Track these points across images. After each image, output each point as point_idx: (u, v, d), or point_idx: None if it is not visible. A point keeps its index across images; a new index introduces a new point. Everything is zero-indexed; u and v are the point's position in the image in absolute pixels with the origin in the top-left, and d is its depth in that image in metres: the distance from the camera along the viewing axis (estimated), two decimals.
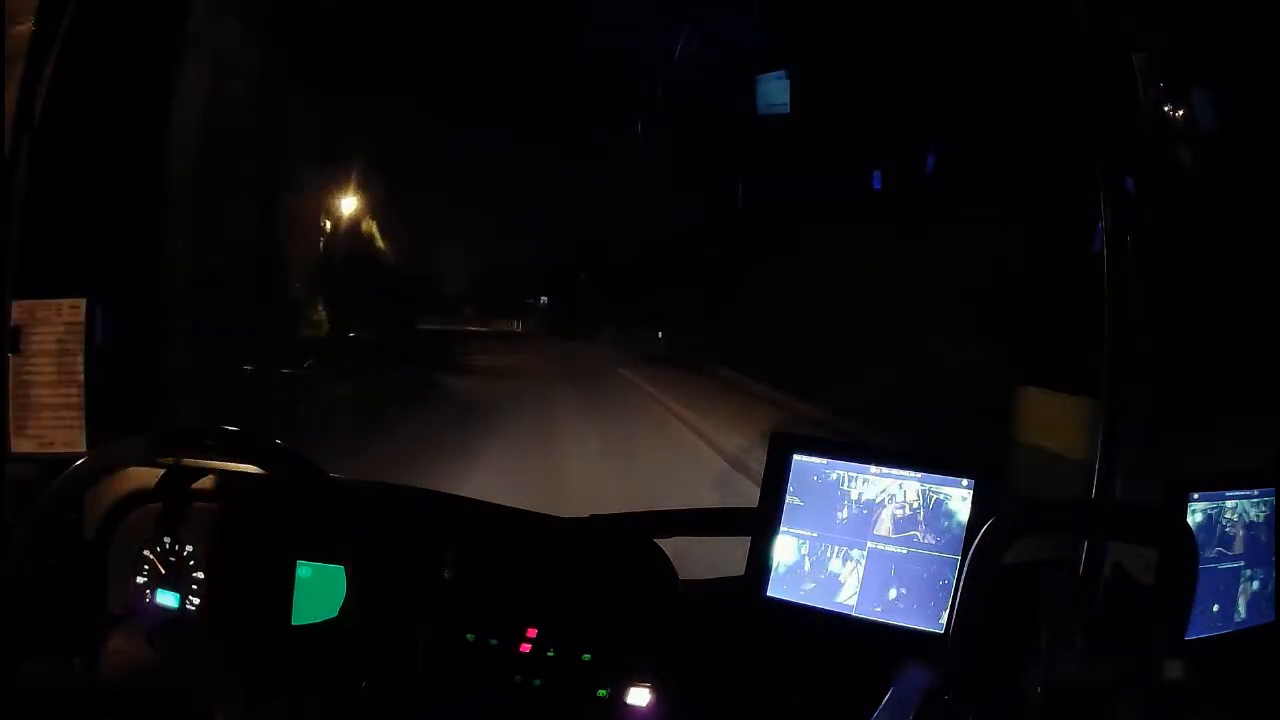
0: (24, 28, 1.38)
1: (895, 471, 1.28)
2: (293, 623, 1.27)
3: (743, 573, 1.34)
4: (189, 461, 1.28)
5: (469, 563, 1.30)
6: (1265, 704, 1.30)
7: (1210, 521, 1.31)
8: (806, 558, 1.30)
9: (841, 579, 1.28)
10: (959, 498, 1.24)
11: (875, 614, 1.26)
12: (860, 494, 1.28)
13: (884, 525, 1.27)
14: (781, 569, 1.31)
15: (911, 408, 5.88)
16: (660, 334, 16.78)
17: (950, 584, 1.22)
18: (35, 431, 1.38)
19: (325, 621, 1.13)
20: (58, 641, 1.09)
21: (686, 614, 1.31)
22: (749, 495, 1.46)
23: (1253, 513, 1.35)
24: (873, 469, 1.28)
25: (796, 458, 1.32)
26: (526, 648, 1.27)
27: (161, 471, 1.27)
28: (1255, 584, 1.36)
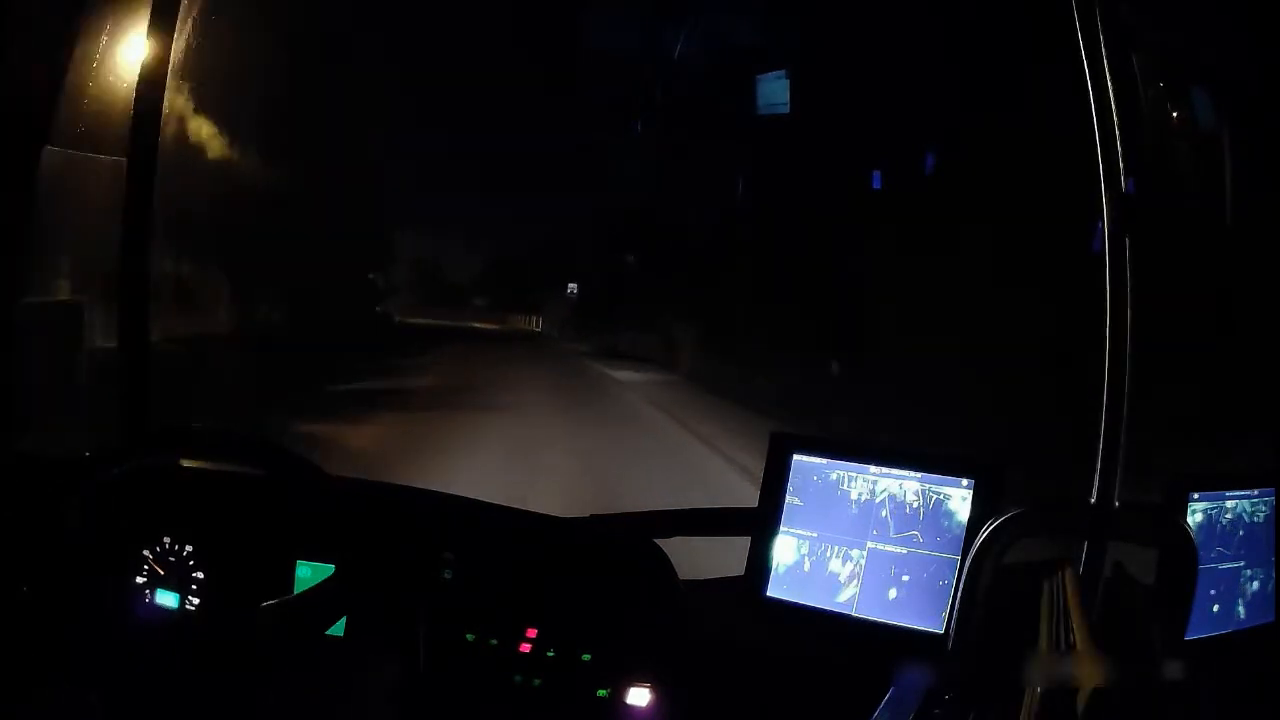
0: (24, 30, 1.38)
1: (895, 471, 1.27)
2: None
3: (743, 573, 1.34)
4: (188, 461, 1.29)
5: (468, 563, 1.30)
6: (1265, 704, 1.30)
7: (1210, 521, 1.31)
8: (806, 558, 1.30)
9: (841, 579, 1.28)
10: (959, 498, 1.24)
11: (875, 614, 1.26)
12: (860, 494, 1.28)
13: (884, 525, 1.27)
14: (781, 569, 1.31)
15: None
16: (835, 365, 9.09)
17: (950, 584, 1.22)
18: (35, 431, 1.38)
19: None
20: (57, 643, 1.09)
21: (686, 614, 1.31)
22: None
23: (1253, 513, 1.35)
24: (873, 469, 1.28)
25: (796, 457, 1.32)
26: (526, 648, 1.27)
27: (160, 471, 1.27)
28: (1255, 584, 1.36)
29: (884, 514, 1.27)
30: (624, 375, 12.59)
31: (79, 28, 1.44)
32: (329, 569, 1.28)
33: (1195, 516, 1.29)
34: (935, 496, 1.25)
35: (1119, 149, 1.41)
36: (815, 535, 1.30)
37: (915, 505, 1.26)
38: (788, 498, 1.31)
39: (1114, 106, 1.40)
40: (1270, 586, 1.38)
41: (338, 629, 1.25)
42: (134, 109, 1.52)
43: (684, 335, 13.16)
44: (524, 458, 6.31)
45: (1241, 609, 1.35)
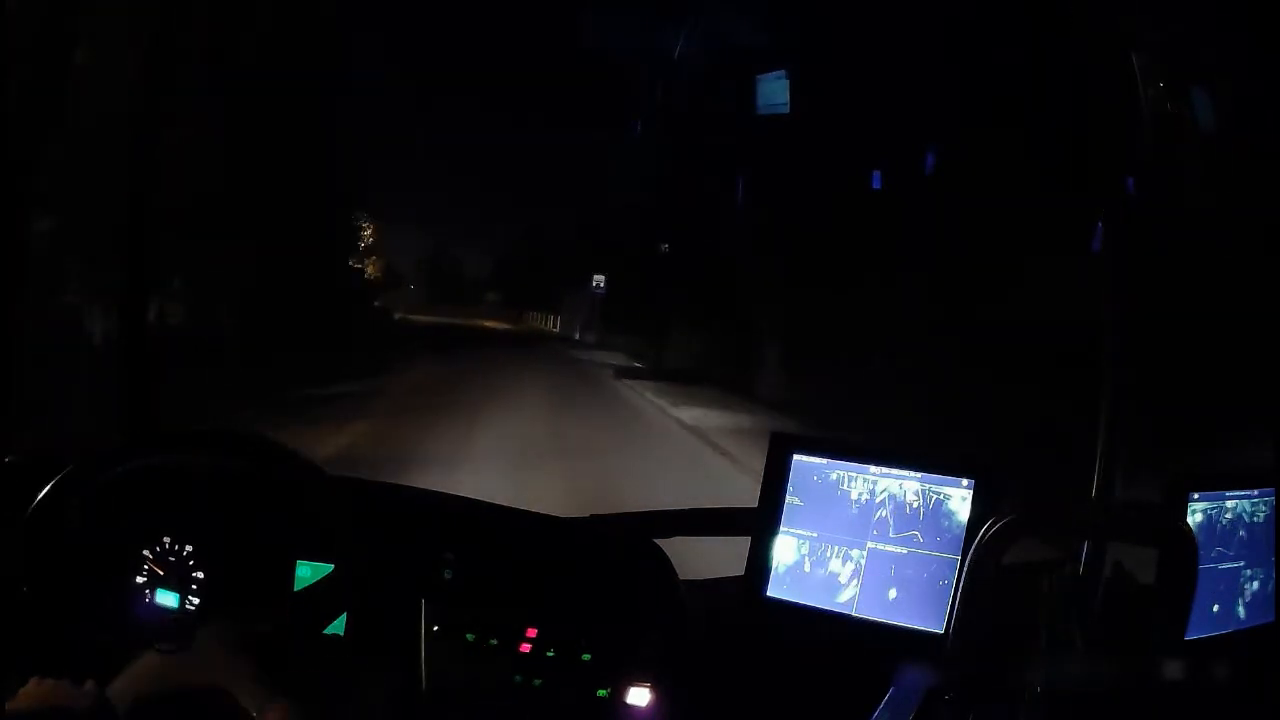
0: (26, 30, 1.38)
1: (895, 471, 1.27)
2: None
3: (743, 573, 1.34)
4: (189, 461, 1.29)
5: (468, 563, 1.30)
6: (1265, 704, 1.30)
7: (1210, 521, 1.31)
8: (806, 558, 1.30)
9: (841, 579, 1.28)
10: (959, 498, 1.24)
11: (875, 614, 1.26)
12: (860, 494, 1.28)
13: (884, 525, 1.27)
14: (781, 569, 1.31)
15: None
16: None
17: (950, 584, 1.22)
18: (35, 431, 1.38)
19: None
20: (57, 643, 1.09)
21: (686, 614, 1.31)
22: None
23: (1253, 513, 1.35)
24: (873, 469, 1.28)
25: (796, 458, 1.32)
26: (526, 648, 1.27)
27: (160, 471, 1.27)
28: (1255, 584, 1.36)
29: (884, 514, 1.27)
30: (693, 416, 8.07)
31: (78, 32, 1.44)
32: (328, 569, 1.28)
33: (1195, 516, 1.29)
34: (935, 496, 1.25)
35: (1119, 149, 1.41)
36: (815, 535, 1.30)
37: (915, 505, 1.26)
38: (788, 498, 1.31)
39: (1114, 107, 1.40)
40: (1270, 586, 1.38)
41: (338, 627, 1.25)
42: (134, 110, 1.53)
43: (760, 347, 9.00)
44: None
45: (1241, 609, 1.35)
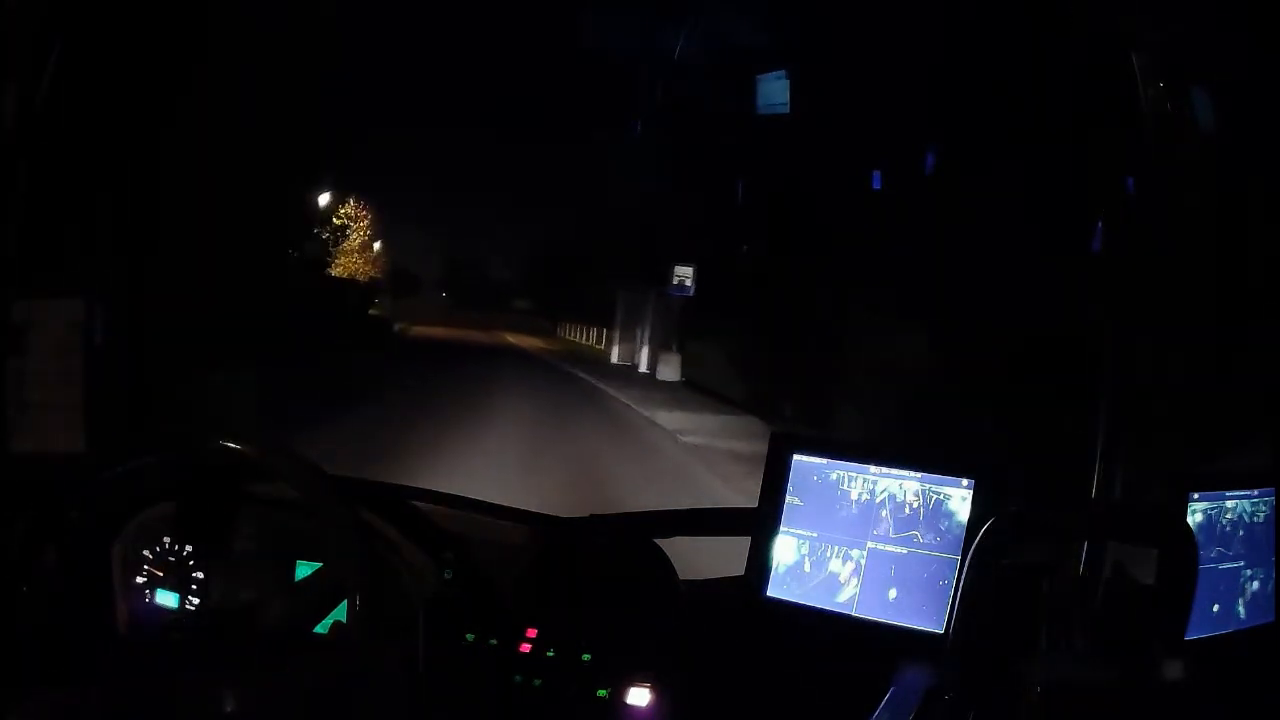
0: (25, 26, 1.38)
1: (895, 471, 1.27)
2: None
3: (743, 573, 1.34)
4: (188, 462, 1.29)
5: (468, 563, 1.30)
6: (1265, 704, 1.30)
7: (1210, 521, 1.31)
8: (806, 558, 1.30)
9: (841, 579, 1.28)
10: (959, 498, 1.24)
11: (875, 614, 1.26)
12: (860, 494, 1.28)
13: (884, 525, 1.27)
14: (781, 569, 1.31)
15: None
16: None
17: (950, 584, 1.22)
18: (35, 431, 1.38)
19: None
20: (57, 643, 1.09)
21: (686, 614, 1.31)
22: None
23: (1253, 513, 1.35)
24: (873, 469, 1.28)
25: (796, 458, 1.32)
26: (526, 648, 1.27)
27: (161, 471, 1.27)
28: (1255, 584, 1.36)
29: (884, 514, 1.27)
30: None
31: (75, 31, 1.44)
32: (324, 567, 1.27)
33: (1195, 516, 1.29)
34: (935, 496, 1.25)
35: (1119, 149, 1.41)
36: (815, 535, 1.30)
37: (915, 505, 1.26)
38: (788, 498, 1.31)
39: (1114, 107, 1.41)
40: (1270, 586, 1.38)
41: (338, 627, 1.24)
42: (134, 112, 1.53)
43: None
44: None
45: (1241, 609, 1.35)
